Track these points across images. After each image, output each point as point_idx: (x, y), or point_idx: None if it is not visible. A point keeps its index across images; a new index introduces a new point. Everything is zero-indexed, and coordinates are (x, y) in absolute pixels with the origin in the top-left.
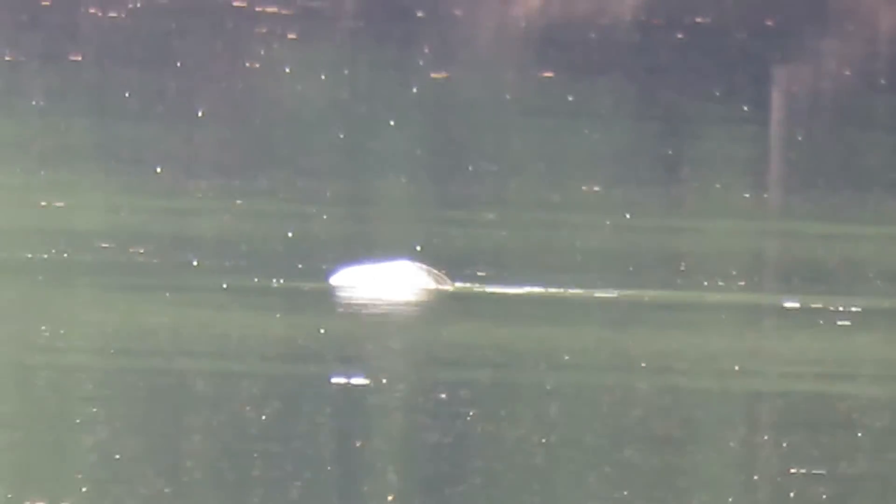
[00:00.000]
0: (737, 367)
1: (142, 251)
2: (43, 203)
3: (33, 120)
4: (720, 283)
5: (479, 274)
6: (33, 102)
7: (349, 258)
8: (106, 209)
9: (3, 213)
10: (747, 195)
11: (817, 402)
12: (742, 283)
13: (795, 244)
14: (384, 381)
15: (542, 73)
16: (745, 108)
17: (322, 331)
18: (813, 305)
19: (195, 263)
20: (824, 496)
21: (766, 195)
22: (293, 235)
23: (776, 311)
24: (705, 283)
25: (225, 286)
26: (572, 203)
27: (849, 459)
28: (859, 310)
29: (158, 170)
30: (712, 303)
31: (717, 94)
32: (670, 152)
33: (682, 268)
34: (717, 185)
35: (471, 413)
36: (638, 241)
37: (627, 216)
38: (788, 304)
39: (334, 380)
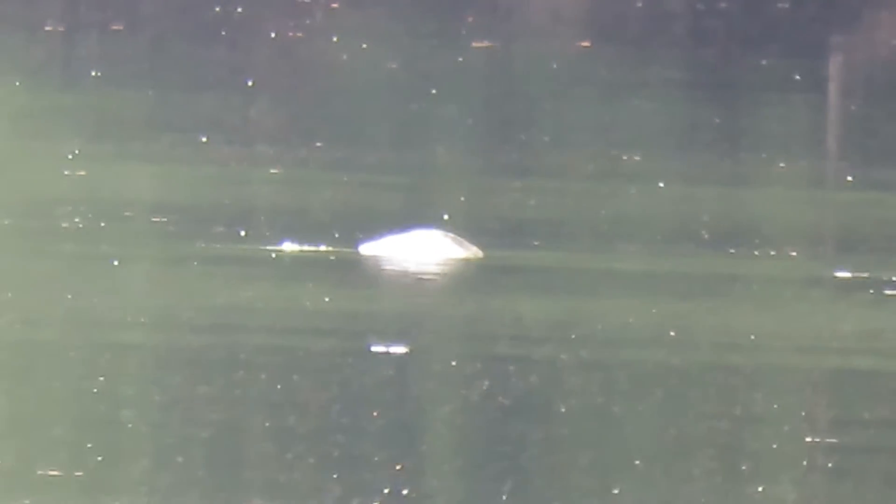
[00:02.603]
0: (785, 342)
1: (166, 220)
2: (84, 172)
3: (77, 90)
4: (771, 253)
5: (514, 242)
6: (74, 72)
7: (385, 227)
8: (150, 178)
9: (42, 182)
10: (798, 164)
11: (870, 376)
12: (793, 253)
13: (847, 213)
14: (420, 350)
15: (588, 42)
16: (798, 77)
17: (327, 299)
18: (861, 275)
19: (243, 234)
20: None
21: (817, 164)
22: (335, 204)
23: (827, 282)
24: (756, 253)
25: (273, 255)
26: (618, 173)
27: None
28: None
29: (204, 139)
30: (762, 273)
31: (764, 63)
32: (717, 121)
33: (731, 238)
34: (765, 155)
35: (508, 383)
36: (684, 210)
37: (661, 185)
38: (840, 274)
39: (374, 349)
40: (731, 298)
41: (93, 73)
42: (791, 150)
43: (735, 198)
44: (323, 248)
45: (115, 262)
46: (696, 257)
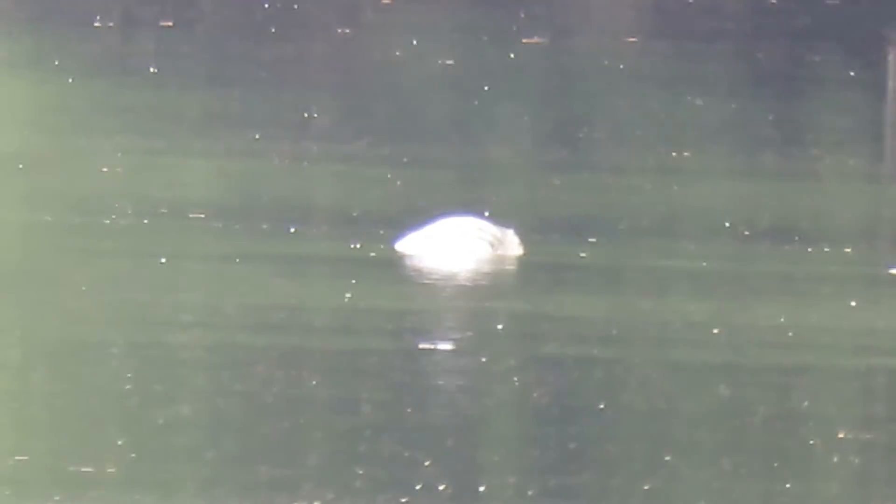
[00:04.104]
0: (837, 339)
1: (215, 217)
2: (131, 169)
3: (126, 86)
4: (826, 250)
5: (562, 238)
6: (124, 69)
7: (430, 224)
8: (200, 175)
9: (88, 179)
10: (853, 160)
11: None
12: (848, 250)
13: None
14: (468, 347)
15: (635, 38)
16: (852, 73)
17: (369, 297)
18: None
19: (292, 231)
20: None
21: (872, 160)
22: (381, 201)
23: (882, 279)
24: (809, 250)
25: (323, 253)
26: (669, 169)
27: None
28: None
29: (257, 136)
30: (816, 270)
31: (818, 58)
32: (770, 117)
33: (784, 234)
34: (817, 151)
35: (548, 380)
36: (736, 207)
37: (708, 182)
38: (895, 271)
39: (421, 346)
40: (783, 295)
41: (150, 70)
42: (846, 146)
43: (788, 194)
44: (368, 244)
45: (163, 260)
46: (748, 254)
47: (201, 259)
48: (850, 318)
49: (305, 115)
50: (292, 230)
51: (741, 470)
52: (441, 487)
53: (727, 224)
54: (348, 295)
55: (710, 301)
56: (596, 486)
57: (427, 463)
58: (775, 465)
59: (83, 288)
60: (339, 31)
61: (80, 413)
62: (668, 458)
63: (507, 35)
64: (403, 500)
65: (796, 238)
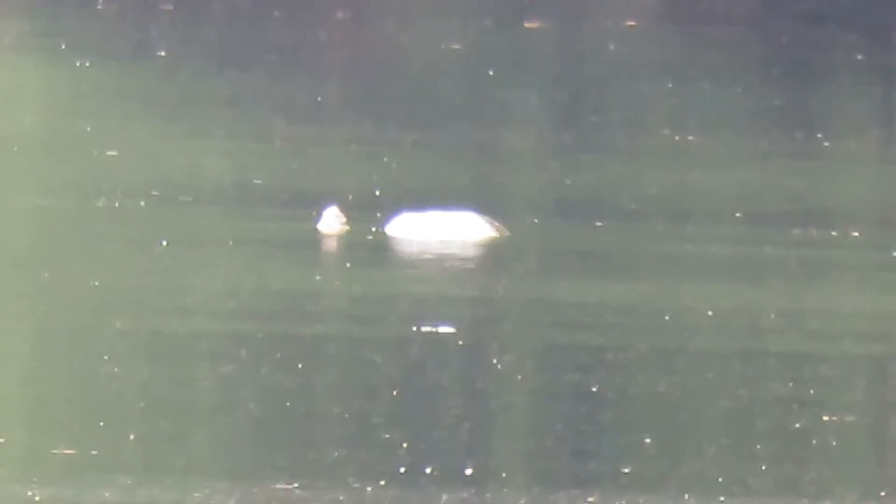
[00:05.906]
0: (845, 325)
1: (191, 199)
2: (126, 152)
3: (136, 69)
4: (833, 234)
5: (556, 220)
6: (124, 52)
7: (424, 206)
8: (206, 159)
9: (77, 161)
10: (859, 145)
11: None
12: (855, 234)
13: None
14: (468, 330)
15: (633, 22)
16: (859, 58)
17: (361, 280)
18: None
19: (288, 213)
20: None
21: (880, 145)
22: (375, 183)
23: (890, 264)
24: (814, 234)
25: (313, 236)
26: (671, 153)
27: None
28: None
29: (261, 120)
30: (821, 254)
31: (829, 40)
32: (779, 101)
33: (791, 218)
34: (821, 135)
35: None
36: (744, 191)
37: (709, 166)
38: None
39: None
40: (789, 280)
41: (140, 53)
42: (855, 130)
43: (796, 178)
44: (359, 227)
45: (164, 243)
46: (755, 238)
47: (200, 243)
48: (856, 302)
49: (310, 98)
50: (292, 213)
51: (733, 455)
52: (428, 471)
53: (734, 208)
54: (340, 278)
55: (717, 285)
56: (582, 470)
57: (410, 446)
58: (776, 448)
59: (78, 271)
60: (344, 14)
61: (66, 395)
62: (649, 440)
63: (511, 19)
64: (382, 483)
65: (804, 222)
